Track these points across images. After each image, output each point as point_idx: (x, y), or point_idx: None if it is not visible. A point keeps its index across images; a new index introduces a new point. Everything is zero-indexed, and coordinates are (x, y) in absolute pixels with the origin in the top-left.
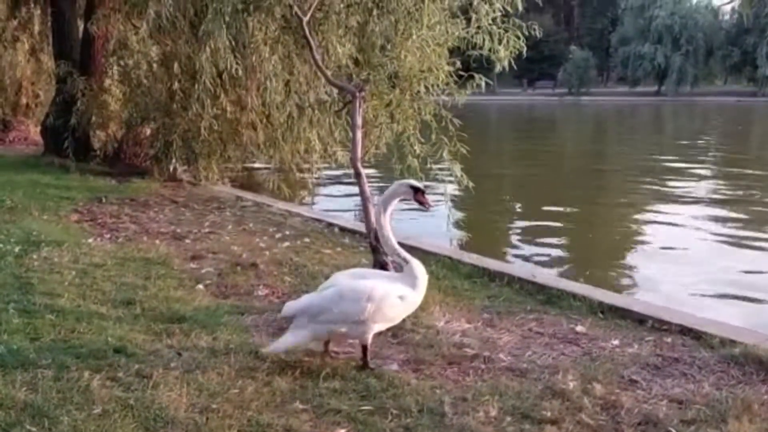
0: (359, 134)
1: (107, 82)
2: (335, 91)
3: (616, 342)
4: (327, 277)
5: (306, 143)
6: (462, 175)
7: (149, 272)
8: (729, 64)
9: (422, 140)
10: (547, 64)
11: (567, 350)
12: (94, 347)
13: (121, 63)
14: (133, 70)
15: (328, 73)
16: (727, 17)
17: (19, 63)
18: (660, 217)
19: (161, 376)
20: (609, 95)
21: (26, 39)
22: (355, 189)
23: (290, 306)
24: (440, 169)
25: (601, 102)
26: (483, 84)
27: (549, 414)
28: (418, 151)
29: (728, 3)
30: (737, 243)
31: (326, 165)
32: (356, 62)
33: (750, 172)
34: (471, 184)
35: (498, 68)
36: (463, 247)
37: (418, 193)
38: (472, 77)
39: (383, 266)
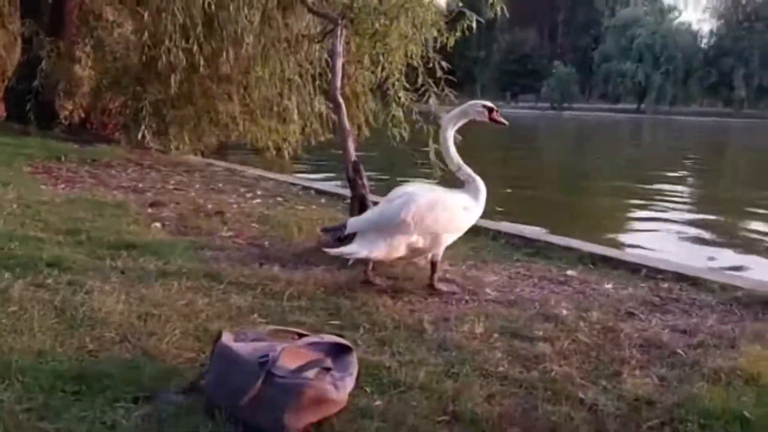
0: (340, 63)
1: (77, 52)
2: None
3: (609, 285)
4: (300, 228)
5: (285, 114)
6: None
7: (102, 211)
8: (706, 85)
9: (408, 87)
10: (530, 78)
11: (558, 289)
12: (24, 261)
13: (94, 33)
14: (106, 38)
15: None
16: (705, 39)
17: None
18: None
19: (98, 287)
20: (590, 110)
21: None
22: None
23: (355, 221)
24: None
25: (583, 116)
26: (474, 24)
27: (542, 333)
28: (402, 99)
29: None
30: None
31: (306, 143)
32: None
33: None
34: (459, 138)
35: (490, 13)
36: None
37: (492, 113)
38: (462, 14)
39: (362, 200)
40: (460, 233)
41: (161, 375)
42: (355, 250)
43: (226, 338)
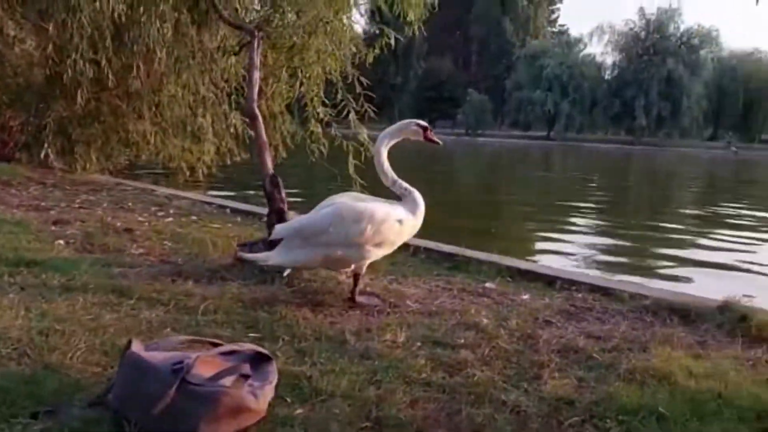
0: (256, 74)
1: None
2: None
3: (526, 296)
4: (215, 245)
5: (199, 133)
6: (368, 141)
7: None
8: (610, 114)
9: (327, 102)
10: (446, 104)
11: (477, 300)
12: None
13: None
14: (7, 53)
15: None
16: (609, 71)
17: None
18: (552, 226)
19: None
20: (503, 137)
21: None
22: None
23: (282, 228)
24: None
25: (496, 142)
26: (393, 41)
27: (463, 341)
28: (321, 115)
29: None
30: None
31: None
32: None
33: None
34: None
35: (408, 32)
36: None
37: (427, 132)
38: (382, 32)
39: (280, 214)
40: (392, 246)
41: (64, 389)
42: (269, 256)
43: (137, 347)
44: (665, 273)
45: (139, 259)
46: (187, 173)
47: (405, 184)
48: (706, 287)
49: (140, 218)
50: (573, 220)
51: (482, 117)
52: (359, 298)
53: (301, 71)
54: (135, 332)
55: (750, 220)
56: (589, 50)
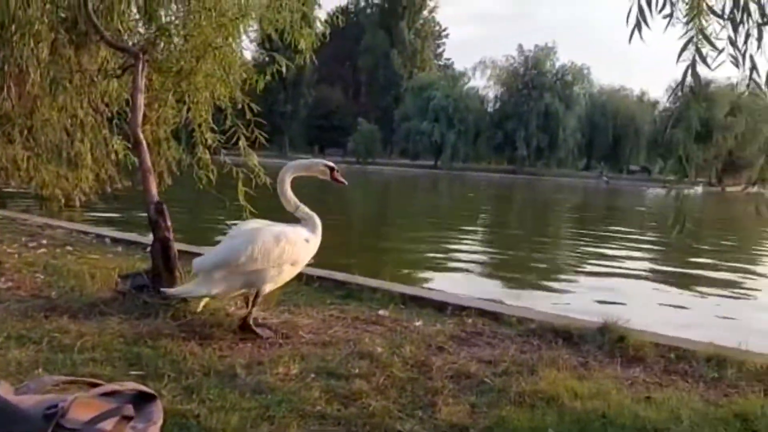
0: (141, 98)
1: None
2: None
3: (419, 323)
4: (94, 277)
5: (77, 159)
6: (258, 168)
7: None
8: (493, 145)
9: (216, 128)
10: (336, 133)
11: (371, 328)
12: None
13: None
14: None
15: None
16: (491, 104)
17: None
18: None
19: None
20: (393, 165)
21: None
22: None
23: (203, 261)
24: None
25: (385, 171)
26: (284, 68)
27: (358, 371)
28: (210, 141)
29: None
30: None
31: (100, 191)
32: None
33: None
34: (269, 180)
35: (299, 60)
36: None
37: (333, 172)
38: (273, 59)
39: (165, 243)
40: (302, 265)
41: None
42: (192, 288)
43: (4, 390)
44: (549, 294)
45: (7, 294)
46: (63, 201)
47: (306, 209)
48: (587, 308)
49: (9, 249)
50: (461, 244)
51: (372, 146)
52: (256, 329)
53: (189, 96)
54: (2, 374)
55: (619, 246)
56: (473, 83)
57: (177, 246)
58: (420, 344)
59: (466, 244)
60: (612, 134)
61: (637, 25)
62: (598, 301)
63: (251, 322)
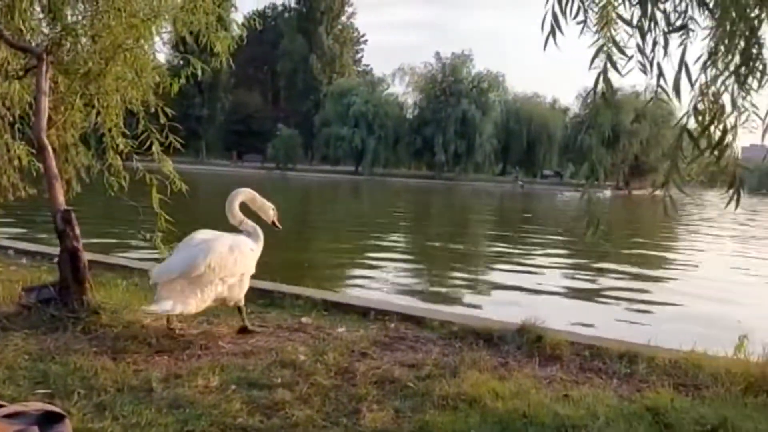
0: (45, 102)
1: None
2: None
3: (342, 329)
4: None
5: None
6: (174, 175)
7: None
8: (412, 151)
9: (127, 133)
10: (255, 138)
11: (293, 336)
12: None
13: None
14: None
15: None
16: (410, 110)
17: None
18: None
19: None
20: (313, 171)
21: None
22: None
23: (160, 271)
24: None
25: (306, 177)
26: (200, 72)
27: (280, 380)
28: (121, 147)
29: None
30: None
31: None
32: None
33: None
34: (185, 187)
35: (216, 63)
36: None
37: (276, 220)
38: (188, 62)
39: (73, 254)
40: (252, 272)
41: None
42: (169, 307)
43: None
44: (470, 295)
45: None
46: None
47: (251, 222)
48: (505, 309)
49: None
50: (383, 250)
51: (292, 152)
52: (251, 327)
53: (99, 100)
54: None
55: (534, 247)
56: (392, 90)
57: (87, 256)
58: (343, 350)
59: (388, 248)
60: (526, 140)
61: (552, 32)
62: (515, 301)
63: (249, 325)
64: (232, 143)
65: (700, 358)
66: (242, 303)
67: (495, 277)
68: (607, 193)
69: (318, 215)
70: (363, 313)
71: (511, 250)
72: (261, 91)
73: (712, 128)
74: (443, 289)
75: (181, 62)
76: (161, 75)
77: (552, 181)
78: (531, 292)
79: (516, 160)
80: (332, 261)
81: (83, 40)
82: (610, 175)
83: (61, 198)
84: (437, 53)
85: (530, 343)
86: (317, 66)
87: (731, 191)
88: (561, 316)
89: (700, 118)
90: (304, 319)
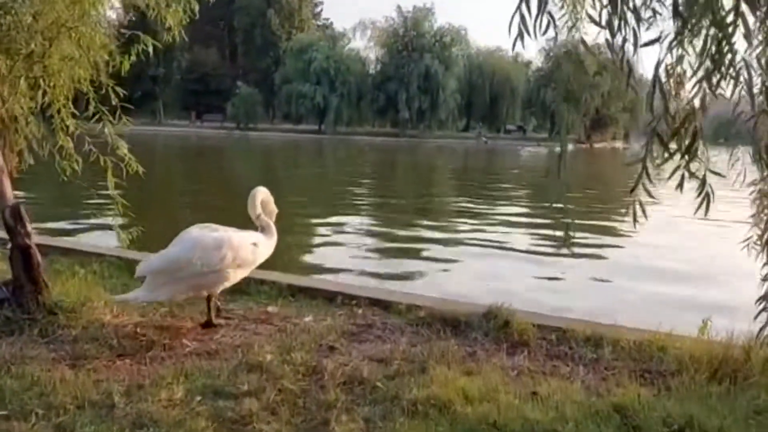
0: None
1: None
2: None
3: (309, 318)
4: None
5: None
6: (129, 157)
7: None
8: (376, 108)
9: (77, 114)
10: (214, 97)
11: (260, 329)
12: None
13: None
14: None
15: None
16: (373, 66)
17: None
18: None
19: None
20: (275, 131)
21: None
22: None
23: (146, 266)
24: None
25: (269, 137)
26: (150, 49)
27: (247, 387)
28: (71, 128)
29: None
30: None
31: None
32: None
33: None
34: (141, 169)
35: (168, 37)
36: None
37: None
38: (137, 38)
39: (26, 251)
40: (252, 266)
41: None
42: (139, 295)
43: None
44: (436, 265)
45: None
46: None
47: (266, 218)
48: (471, 286)
49: None
50: (348, 220)
51: (253, 110)
52: (216, 320)
53: (44, 80)
54: None
55: (499, 206)
56: (353, 45)
57: (42, 240)
58: (311, 346)
59: (353, 219)
60: (489, 95)
61: (519, 35)
62: (479, 273)
63: (214, 320)
64: (191, 103)
65: (664, 340)
66: (216, 295)
67: (460, 246)
68: (570, 146)
69: (281, 181)
70: (330, 298)
71: (475, 215)
72: (218, 48)
73: (682, 131)
74: (409, 258)
75: (132, 39)
76: (110, 53)
77: (515, 135)
78: (494, 258)
79: (479, 115)
80: (296, 235)
81: (25, 18)
82: (571, 129)
83: (8, 192)
84: (398, 7)
85: (498, 329)
86: (275, 21)
87: (700, 197)
88: (525, 285)
89: (670, 120)
90: (270, 309)
